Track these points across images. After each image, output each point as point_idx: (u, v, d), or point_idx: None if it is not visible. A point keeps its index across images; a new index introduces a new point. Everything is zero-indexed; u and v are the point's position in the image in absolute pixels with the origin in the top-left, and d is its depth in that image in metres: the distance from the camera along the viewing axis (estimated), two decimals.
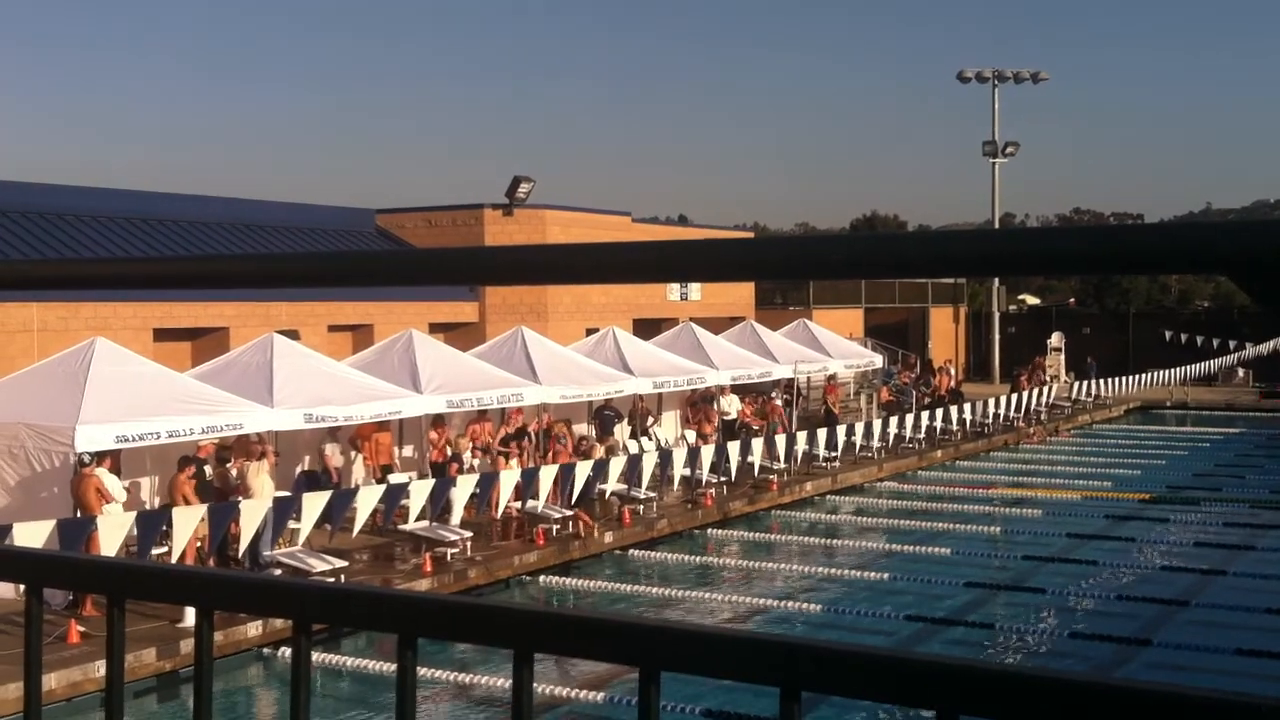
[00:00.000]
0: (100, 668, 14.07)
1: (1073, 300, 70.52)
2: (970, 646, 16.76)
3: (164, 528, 16.42)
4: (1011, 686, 1.20)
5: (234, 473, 18.98)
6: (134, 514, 16.58)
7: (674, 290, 41.08)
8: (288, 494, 18.75)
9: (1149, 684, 1.17)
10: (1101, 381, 44.19)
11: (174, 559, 15.82)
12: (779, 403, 32.47)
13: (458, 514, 20.22)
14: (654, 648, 1.37)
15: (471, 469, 22.09)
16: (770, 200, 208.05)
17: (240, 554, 17.53)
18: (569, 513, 21.91)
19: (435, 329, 32.09)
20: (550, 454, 24.02)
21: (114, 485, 17.43)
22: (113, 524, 15.85)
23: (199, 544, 17.13)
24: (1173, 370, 47.65)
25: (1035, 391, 39.10)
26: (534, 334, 27.72)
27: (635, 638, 1.39)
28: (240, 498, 18.14)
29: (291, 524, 18.15)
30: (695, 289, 41.99)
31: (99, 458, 17.33)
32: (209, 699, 1.66)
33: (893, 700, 1.26)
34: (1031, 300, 72.31)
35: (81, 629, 14.96)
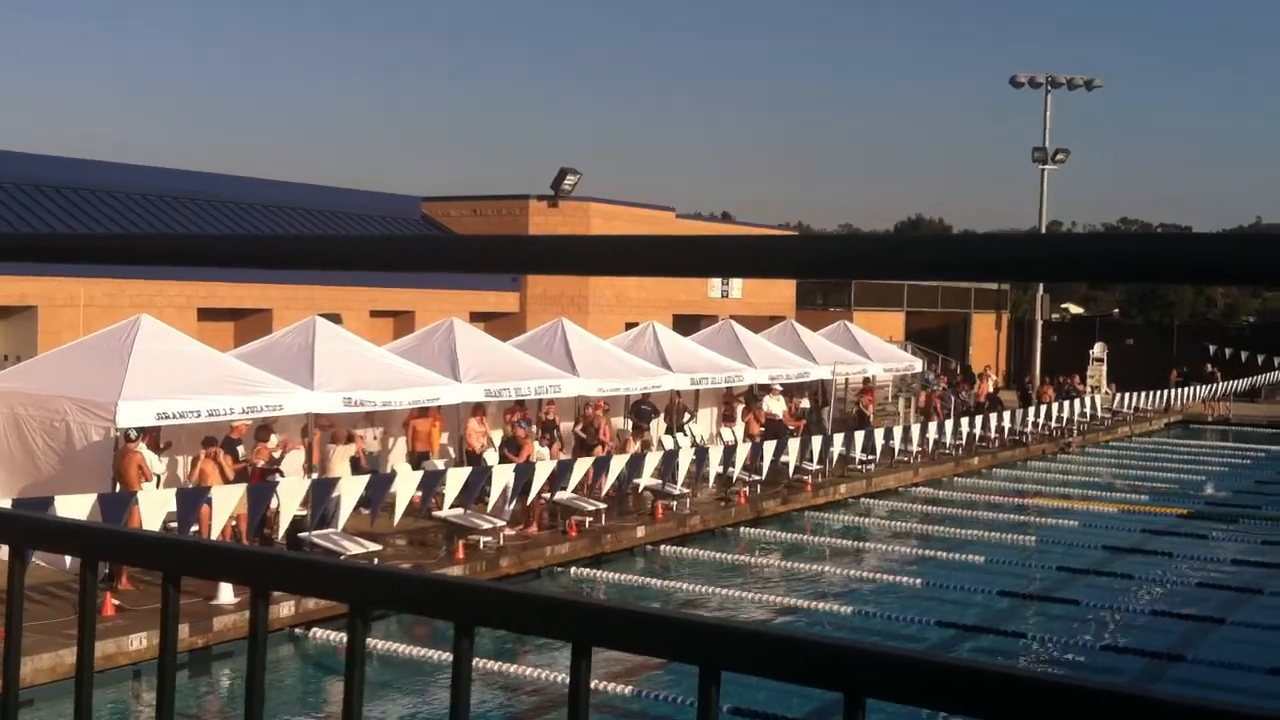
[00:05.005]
0: (134, 641, 14.25)
1: (1117, 310, 69.91)
2: (1002, 656, 16.65)
3: (204, 505, 16.55)
4: (1085, 701, 1.19)
5: (277, 453, 19.16)
6: (173, 491, 16.73)
7: (715, 287, 41.04)
8: (335, 477, 18.92)
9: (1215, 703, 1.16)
10: (1140, 395, 43.76)
11: (213, 536, 15.93)
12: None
13: (507, 501, 20.21)
14: (716, 647, 1.35)
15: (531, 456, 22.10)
16: (814, 200, 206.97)
17: (280, 535, 17.66)
18: (601, 505, 21.96)
19: (476, 318, 32.21)
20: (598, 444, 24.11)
21: (153, 461, 17.64)
22: (154, 500, 16.01)
23: (233, 523, 17.27)
24: (1216, 384, 47.25)
25: (1063, 403, 38.60)
26: (574, 326, 27.76)
27: (697, 636, 1.37)
28: (279, 477, 18.31)
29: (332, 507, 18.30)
30: (737, 287, 41.93)
31: (142, 433, 17.54)
32: (262, 678, 1.66)
33: (961, 711, 1.24)
34: (1075, 309, 71.73)
35: (116, 602, 15.12)
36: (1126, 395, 43.30)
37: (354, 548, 17.73)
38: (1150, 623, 18.56)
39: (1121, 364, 48.61)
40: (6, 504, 14.44)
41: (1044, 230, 55.35)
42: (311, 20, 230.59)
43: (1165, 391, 45.36)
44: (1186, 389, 46.58)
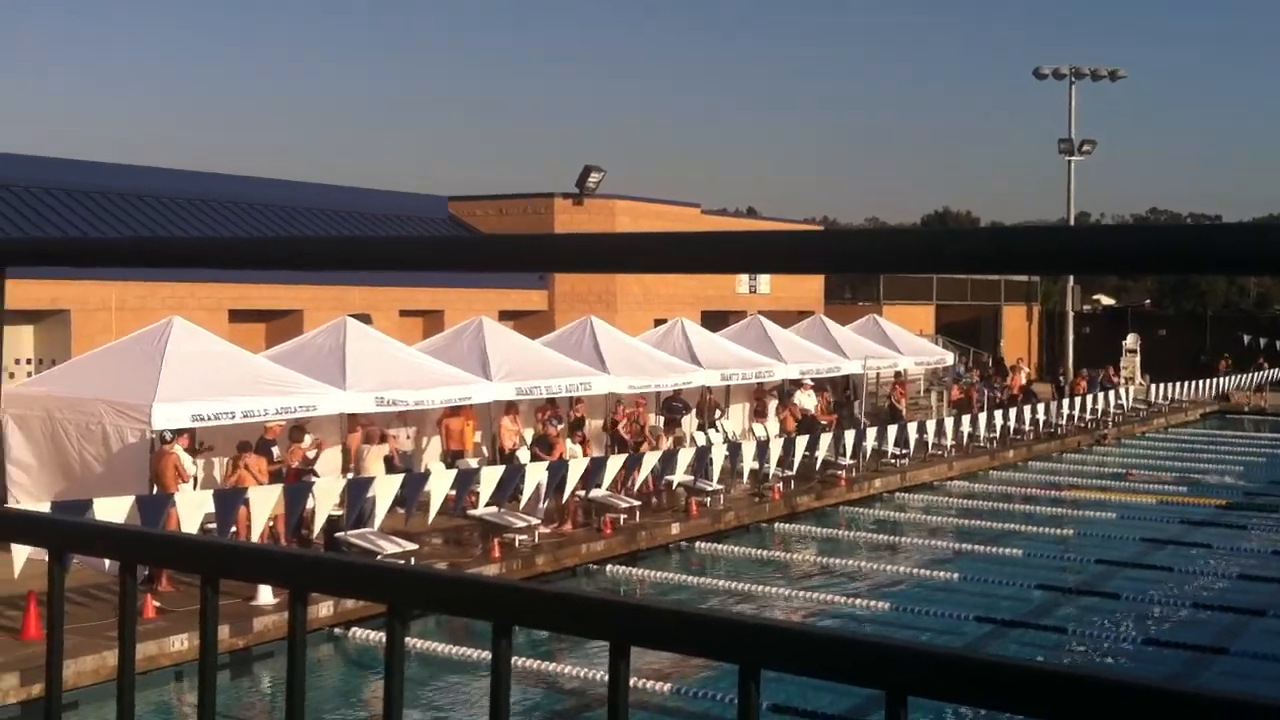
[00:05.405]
0: (176, 642, 14.31)
1: (1149, 301, 69.44)
2: (1041, 650, 16.53)
3: (242, 506, 16.60)
4: (1129, 696, 1.16)
5: (311, 453, 19.23)
6: (210, 492, 16.80)
7: (742, 283, 40.96)
8: (370, 477, 18.98)
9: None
10: (1175, 385, 43.54)
11: (254, 538, 15.98)
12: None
13: (541, 499, 20.22)
14: (755, 645, 1.34)
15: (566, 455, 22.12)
16: (840, 194, 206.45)
17: (316, 534, 17.71)
18: (635, 502, 21.94)
19: (505, 316, 32.24)
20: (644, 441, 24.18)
21: (188, 463, 17.72)
22: (192, 501, 16.07)
23: (270, 523, 17.32)
24: (1255, 374, 46.91)
25: (1097, 394, 38.42)
26: (603, 324, 27.74)
27: (736, 634, 1.35)
28: (315, 477, 18.37)
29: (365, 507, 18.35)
30: (764, 282, 41.84)
31: (177, 435, 17.63)
32: (302, 678, 1.66)
33: (1002, 709, 1.23)
34: (1107, 300, 71.27)
35: (157, 604, 15.18)
36: (1161, 386, 42.98)
37: (391, 547, 17.75)
38: (1191, 615, 18.39)
39: (1154, 355, 48.27)
40: (45, 508, 14.53)
41: (1072, 222, 55.04)
42: (337, 21, 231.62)
43: (1214, 380, 45.16)
44: (1227, 379, 46.26)
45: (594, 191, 37.37)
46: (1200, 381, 44.81)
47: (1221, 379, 45.87)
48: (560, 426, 23.38)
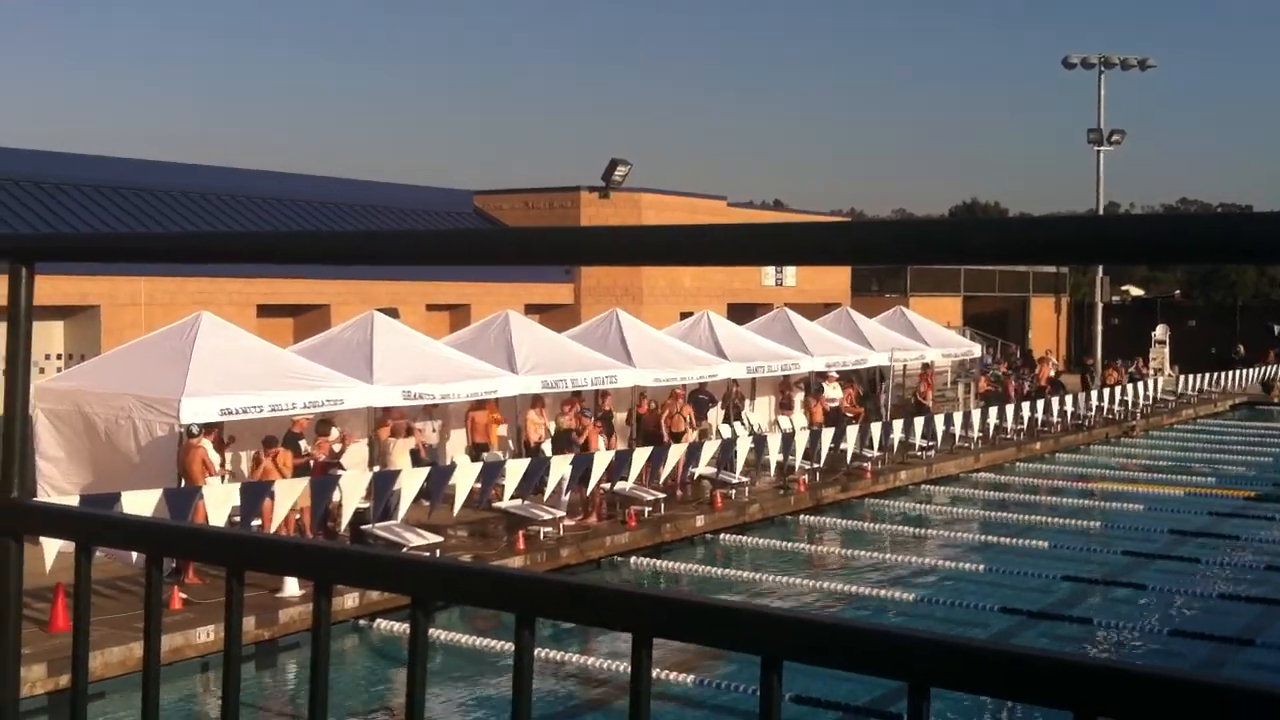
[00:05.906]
0: (201, 634, 14.42)
1: (1178, 292, 68.98)
2: (1067, 642, 16.48)
3: (268, 499, 16.70)
4: (1156, 688, 1.16)
5: (336, 446, 19.33)
6: (238, 485, 16.91)
7: (769, 275, 40.90)
8: (396, 470, 19.07)
9: None
10: (1203, 376, 43.39)
11: (271, 530, 16.09)
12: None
13: (563, 491, 20.27)
14: (777, 637, 1.34)
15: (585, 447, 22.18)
16: (868, 186, 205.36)
17: (343, 527, 17.80)
18: (660, 495, 21.97)
19: (531, 310, 32.30)
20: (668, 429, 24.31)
21: (215, 457, 17.85)
22: (218, 495, 16.18)
23: (297, 516, 17.43)
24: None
25: (1125, 385, 38.32)
26: (629, 317, 27.75)
27: (758, 626, 1.36)
28: (341, 470, 18.46)
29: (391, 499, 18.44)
30: (791, 274, 41.78)
31: (205, 429, 17.75)
32: (326, 669, 1.67)
33: (1030, 700, 1.22)
34: (1136, 291, 70.82)
35: (184, 596, 15.31)
36: (1190, 377, 42.74)
37: (416, 539, 17.84)
38: (1217, 606, 18.29)
39: (1184, 346, 47.99)
40: (74, 501, 14.66)
41: (1101, 212, 54.69)
42: (363, 15, 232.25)
43: (1255, 369, 45.06)
44: (1268, 369, 46.12)
45: (620, 185, 37.39)
46: (1234, 372, 44.60)
47: (1268, 368, 45.69)
48: (591, 419, 23.45)
